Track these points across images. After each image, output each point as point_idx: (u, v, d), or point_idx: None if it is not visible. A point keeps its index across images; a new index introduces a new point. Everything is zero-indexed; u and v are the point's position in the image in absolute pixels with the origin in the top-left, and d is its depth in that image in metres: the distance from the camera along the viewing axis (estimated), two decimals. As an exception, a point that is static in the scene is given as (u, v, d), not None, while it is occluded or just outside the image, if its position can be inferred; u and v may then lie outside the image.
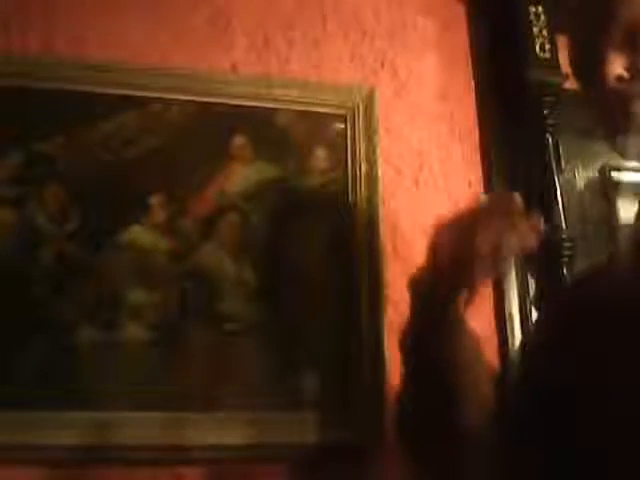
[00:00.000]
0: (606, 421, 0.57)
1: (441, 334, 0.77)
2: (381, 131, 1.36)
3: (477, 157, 1.44)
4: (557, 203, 1.37)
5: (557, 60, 1.44)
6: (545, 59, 1.44)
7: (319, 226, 1.28)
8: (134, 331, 1.15)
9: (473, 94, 1.49)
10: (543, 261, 1.36)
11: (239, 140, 1.29)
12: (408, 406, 0.84)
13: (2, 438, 1.04)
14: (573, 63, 0.78)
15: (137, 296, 1.17)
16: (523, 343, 1.17)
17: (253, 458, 1.12)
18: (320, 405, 1.17)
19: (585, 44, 0.72)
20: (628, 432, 0.55)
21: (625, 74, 0.67)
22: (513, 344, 1.31)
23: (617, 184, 1.52)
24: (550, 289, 1.33)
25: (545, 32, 1.45)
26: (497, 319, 1.35)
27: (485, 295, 1.35)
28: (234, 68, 1.36)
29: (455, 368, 0.77)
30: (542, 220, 0.77)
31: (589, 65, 0.70)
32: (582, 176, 1.52)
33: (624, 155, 0.75)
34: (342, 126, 1.34)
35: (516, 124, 1.44)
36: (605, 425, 0.57)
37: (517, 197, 0.75)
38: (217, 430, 1.11)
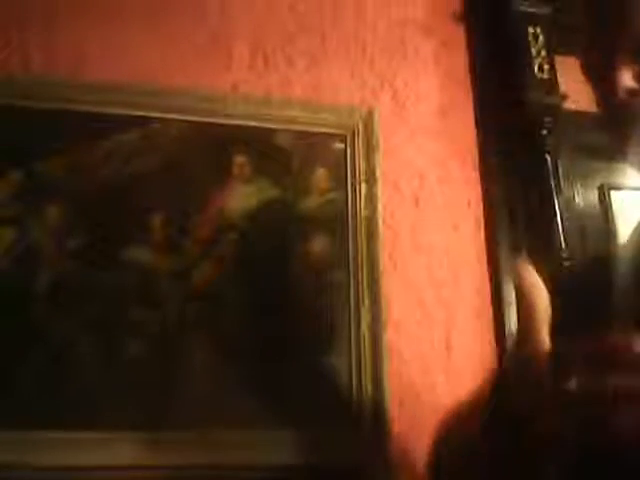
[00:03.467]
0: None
1: None
2: (381, 150, 1.37)
3: (476, 177, 1.45)
4: (556, 222, 1.37)
5: (556, 81, 1.44)
6: (543, 80, 1.44)
7: (319, 245, 1.28)
8: (134, 349, 1.14)
9: (472, 114, 1.50)
10: (543, 281, 1.36)
11: (239, 160, 1.29)
12: None
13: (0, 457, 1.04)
14: (585, 75, 0.76)
15: (137, 314, 1.17)
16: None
17: (249, 478, 1.12)
18: (319, 425, 1.16)
19: (595, 57, 0.71)
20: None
21: (636, 87, 0.66)
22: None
23: (616, 203, 1.52)
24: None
25: (543, 53, 1.46)
26: (497, 338, 1.34)
27: (485, 314, 1.35)
28: (234, 88, 1.37)
29: None
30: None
31: (600, 78, 0.69)
32: (581, 195, 1.52)
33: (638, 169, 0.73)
34: (342, 146, 1.35)
35: (515, 144, 1.45)
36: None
37: None
38: (214, 450, 1.11)
